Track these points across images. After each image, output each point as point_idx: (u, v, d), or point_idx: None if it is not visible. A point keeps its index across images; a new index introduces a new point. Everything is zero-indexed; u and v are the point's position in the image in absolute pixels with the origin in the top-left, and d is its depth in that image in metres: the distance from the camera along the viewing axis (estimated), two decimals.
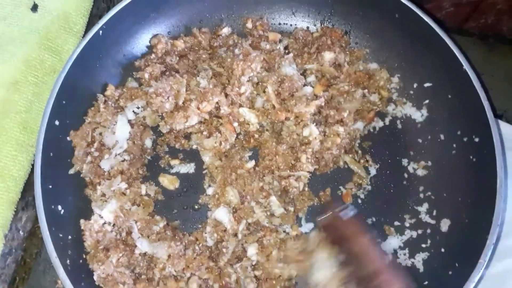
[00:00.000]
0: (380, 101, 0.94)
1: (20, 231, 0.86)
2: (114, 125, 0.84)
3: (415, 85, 0.94)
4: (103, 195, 0.80)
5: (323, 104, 0.87)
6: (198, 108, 0.85)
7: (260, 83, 0.88)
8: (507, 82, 1.05)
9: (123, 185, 0.80)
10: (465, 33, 1.09)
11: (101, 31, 0.84)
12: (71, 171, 0.82)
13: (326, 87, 0.91)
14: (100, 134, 0.83)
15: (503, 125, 0.95)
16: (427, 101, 0.93)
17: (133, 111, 0.87)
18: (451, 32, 1.05)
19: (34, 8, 0.92)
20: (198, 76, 0.88)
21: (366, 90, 0.93)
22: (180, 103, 0.85)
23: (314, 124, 0.85)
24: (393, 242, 0.85)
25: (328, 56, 0.91)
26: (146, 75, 0.88)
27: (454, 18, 1.07)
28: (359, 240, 0.73)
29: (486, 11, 1.04)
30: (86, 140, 0.82)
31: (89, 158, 0.81)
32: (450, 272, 0.76)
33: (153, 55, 0.93)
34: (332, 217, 0.77)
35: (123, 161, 0.83)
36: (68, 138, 0.82)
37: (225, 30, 0.96)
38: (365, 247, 0.73)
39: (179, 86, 0.85)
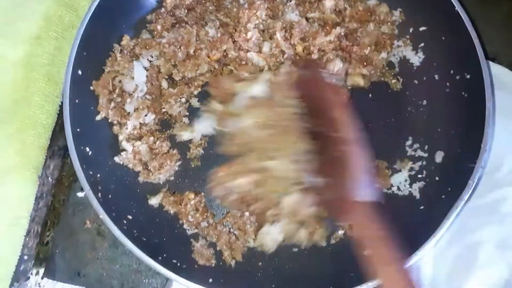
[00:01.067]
0: (391, 29, 0.99)
1: (49, 178, 0.94)
2: (132, 71, 0.90)
3: (411, 30, 0.99)
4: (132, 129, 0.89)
5: (342, 33, 0.93)
6: (208, 56, 0.91)
7: (266, 30, 0.93)
8: (499, 28, 1.08)
9: (151, 116, 0.89)
10: None
11: None
12: (98, 118, 0.89)
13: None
14: (120, 81, 0.90)
15: (493, 66, 1.00)
16: (422, 44, 0.98)
17: (148, 59, 0.93)
18: None
19: None
20: (206, 26, 0.93)
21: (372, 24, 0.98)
22: (191, 52, 0.91)
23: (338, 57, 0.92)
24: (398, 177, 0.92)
25: (328, 3, 0.96)
26: (159, 27, 0.93)
27: None
28: (337, 105, 0.74)
29: None
30: (108, 88, 0.88)
31: (112, 104, 0.88)
32: (443, 196, 0.83)
33: (162, 9, 0.98)
34: (313, 74, 0.79)
35: (145, 99, 0.91)
36: (91, 88, 0.88)
37: None
38: (342, 114, 0.73)
39: (190, 36, 0.90)
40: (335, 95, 0.77)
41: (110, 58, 0.91)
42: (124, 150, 0.88)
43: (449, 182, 0.85)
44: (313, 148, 0.78)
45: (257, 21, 0.92)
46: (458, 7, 0.88)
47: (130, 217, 0.83)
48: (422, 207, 0.87)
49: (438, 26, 0.94)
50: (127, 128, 0.88)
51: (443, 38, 0.93)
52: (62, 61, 0.93)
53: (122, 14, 0.95)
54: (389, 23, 0.98)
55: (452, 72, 0.92)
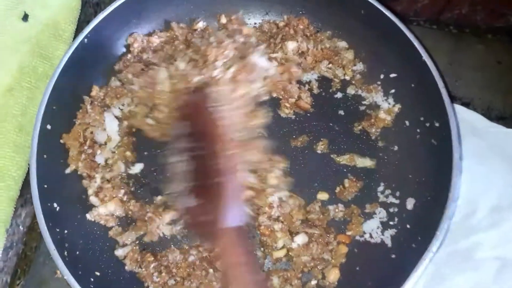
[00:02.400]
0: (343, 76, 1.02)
1: (20, 226, 0.92)
2: (103, 122, 0.91)
3: (382, 76, 1.00)
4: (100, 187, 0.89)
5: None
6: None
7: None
8: (474, 72, 1.10)
9: (122, 166, 0.90)
10: (441, 24, 1.15)
11: (86, 39, 0.90)
12: (68, 171, 0.88)
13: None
14: (91, 132, 0.91)
15: (467, 112, 1.01)
16: (393, 90, 0.99)
17: (119, 108, 0.94)
18: (428, 23, 1.14)
19: (25, 18, 0.97)
20: (176, 61, 0.92)
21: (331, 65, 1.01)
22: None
23: None
24: (371, 224, 0.92)
25: (291, 45, 0.98)
26: (129, 76, 0.94)
27: (430, 10, 1.12)
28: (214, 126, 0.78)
29: (460, 3, 1.09)
30: (79, 140, 0.89)
31: (83, 156, 0.88)
32: (413, 245, 0.83)
33: (129, 55, 0.99)
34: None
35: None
36: (61, 141, 0.89)
37: (200, 24, 1.03)
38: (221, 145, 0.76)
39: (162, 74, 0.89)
40: (213, 119, 0.80)
41: (80, 111, 0.92)
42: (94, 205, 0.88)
43: (419, 231, 0.84)
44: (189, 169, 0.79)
45: (225, 60, 0.92)
46: (425, 57, 0.89)
47: (98, 273, 0.82)
48: (393, 256, 0.86)
49: (408, 74, 0.95)
50: (95, 182, 0.88)
51: (413, 85, 0.95)
52: (34, 112, 0.91)
53: (94, 63, 0.96)
54: (349, 70, 1.01)
55: (422, 119, 0.93)
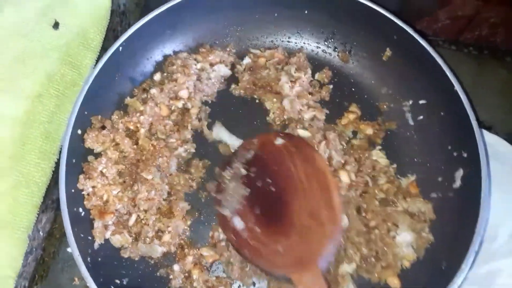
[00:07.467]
0: None
1: (40, 232, 0.92)
2: None
3: (410, 102, 1.00)
4: None
5: None
6: None
7: None
8: (497, 95, 1.10)
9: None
10: (460, 45, 1.16)
11: (120, 48, 0.91)
12: None
13: None
14: None
15: (489, 136, 1.01)
16: (421, 117, 0.99)
17: None
18: (446, 43, 1.15)
19: (56, 25, 0.97)
20: None
21: None
22: None
23: None
24: None
25: None
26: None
27: (450, 30, 1.13)
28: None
29: (481, 24, 1.10)
30: None
31: None
32: (437, 276, 0.82)
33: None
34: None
35: None
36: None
37: None
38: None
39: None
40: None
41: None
42: None
43: (442, 264, 0.83)
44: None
45: None
46: (457, 87, 0.88)
47: (117, 281, 0.82)
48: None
49: (438, 102, 0.95)
50: None
51: (442, 113, 0.94)
52: (61, 119, 0.92)
53: (126, 72, 0.97)
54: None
55: (449, 148, 0.92)
